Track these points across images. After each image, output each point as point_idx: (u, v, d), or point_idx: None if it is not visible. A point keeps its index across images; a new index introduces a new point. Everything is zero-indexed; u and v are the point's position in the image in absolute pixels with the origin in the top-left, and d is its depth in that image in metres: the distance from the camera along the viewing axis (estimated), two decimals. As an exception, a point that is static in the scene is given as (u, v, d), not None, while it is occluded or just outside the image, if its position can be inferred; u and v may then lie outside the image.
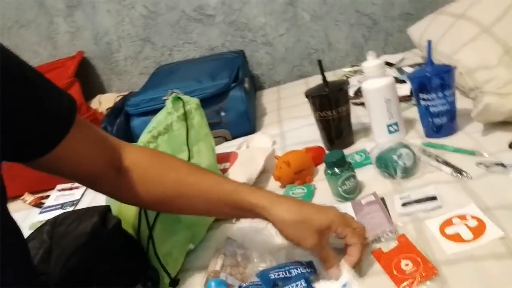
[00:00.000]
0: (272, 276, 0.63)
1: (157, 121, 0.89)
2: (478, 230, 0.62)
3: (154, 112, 1.22)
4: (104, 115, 1.34)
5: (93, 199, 1.14)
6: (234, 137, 1.22)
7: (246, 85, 1.27)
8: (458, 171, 0.76)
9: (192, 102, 0.91)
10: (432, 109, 0.87)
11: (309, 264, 0.63)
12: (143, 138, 0.84)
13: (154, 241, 0.73)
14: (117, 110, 1.34)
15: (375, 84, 0.91)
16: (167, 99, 1.19)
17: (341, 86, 0.96)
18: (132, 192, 0.65)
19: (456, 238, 0.62)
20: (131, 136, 1.25)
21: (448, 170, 0.78)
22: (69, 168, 0.60)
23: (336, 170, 0.79)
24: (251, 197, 0.61)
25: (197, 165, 0.69)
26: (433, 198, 0.72)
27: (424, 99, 0.88)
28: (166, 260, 0.72)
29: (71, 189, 1.21)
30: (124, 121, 1.27)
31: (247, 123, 1.23)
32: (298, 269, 0.62)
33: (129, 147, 0.68)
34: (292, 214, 0.60)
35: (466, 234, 0.62)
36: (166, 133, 0.84)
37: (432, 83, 0.86)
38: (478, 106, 0.83)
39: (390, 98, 0.91)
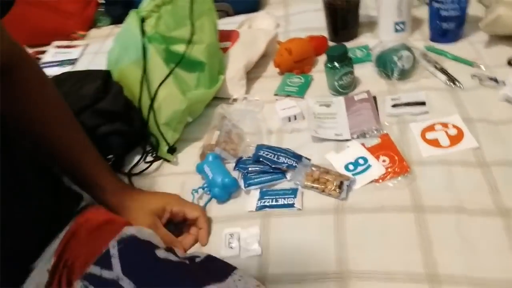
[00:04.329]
0: (261, 152, 0.70)
1: (161, -11, 0.85)
2: (456, 139, 0.67)
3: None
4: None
5: (91, 61, 1.15)
6: (236, 13, 1.18)
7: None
8: (452, 80, 0.79)
9: (198, -27, 0.86)
10: (442, 13, 0.86)
11: (300, 158, 0.69)
12: (146, 5, 0.82)
13: (154, 110, 0.77)
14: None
15: (392, -23, 0.87)
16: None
17: (355, -26, 0.91)
18: (7, 101, 0.58)
19: (435, 143, 0.68)
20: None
21: (443, 77, 0.80)
22: None
23: (336, 64, 0.80)
24: (101, 180, 0.62)
25: (76, 122, 0.63)
26: (422, 103, 0.75)
27: (436, 1, 0.85)
28: (165, 130, 0.77)
29: (68, 47, 1.20)
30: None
31: (252, 0, 1.18)
32: (288, 158, 0.68)
33: (30, 61, 0.61)
34: (132, 201, 0.62)
35: (444, 141, 0.67)
36: (169, 3, 0.81)
37: (450, -16, 0.82)
38: (488, 16, 0.81)
39: (404, -5, 0.88)
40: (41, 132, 0.60)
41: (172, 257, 0.50)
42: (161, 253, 0.50)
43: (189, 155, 0.78)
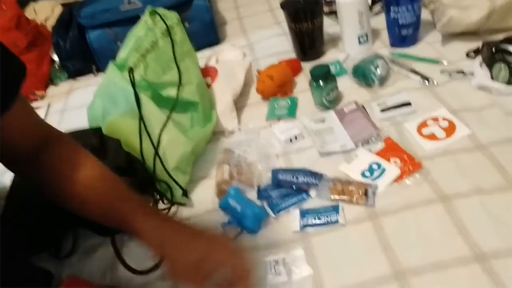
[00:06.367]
0: (280, 176, 0.72)
1: (137, 37, 0.86)
2: (450, 130, 0.74)
3: (112, 24, 1.16)
4: (52, 29, 1.22)
5: (60, 120, 1.10)
6: (198, 49, 1.20)
7: (208, -7, 1.22)
8: (426, 78, 0.87)
9: (173, 17, 0.87)
10: (400, 21, 0.95)
11: (317, 175, 0.71)
12: (129, 57, 0.81)
13: (160, 157, 0.76)
14: (65, 22, 1.23)
15: (350, -4, 0.94)
16: (127, 9, 1.13)
17: (317, -1, 0.98)
18: (44, 180, 0.60)
19: (432, 137, 0.74)
20: (88, 50, 1.18)
21: (417, 78, 0.88)
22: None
23: (321, 82, 0.85)
24: (141, 224, 0.58)
25: (110, 172, 0.63)
26: (408, 103, 0.82)
27: (394, 11, 0.94)
28: (176, 174, 0.76)
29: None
30: (78, 34, 1.17)
31: (212, 34, 1.21)
32: (306, 177, 0.71)
33: (61, 140, 0.62)
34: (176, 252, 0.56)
35: (440, 133, 0.74)
36: (153, 50, 0.82)
37: (403, -5, 0.92)
38: (442, 19, 0.91)
39: (363, 11, 0.96)
40: (80, 203, 0.60)
41: None
42: None
43: (202, 194, 0.78)
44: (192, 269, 0.56)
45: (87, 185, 0.60)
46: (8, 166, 0.61)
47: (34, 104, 1.16)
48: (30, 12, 1.40)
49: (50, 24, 1.36)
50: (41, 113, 1.13)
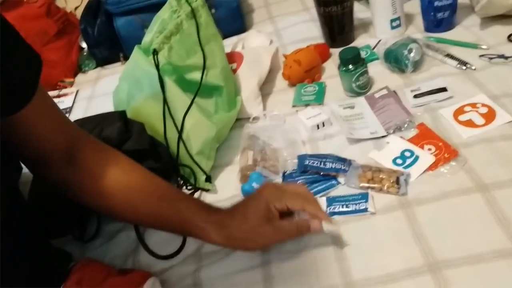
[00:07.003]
0: (307, 162, 0.69)
1: (162, 20, 0.84)
2: (489, 116, 0.69)
3: (139, 10, 1.16)
4: (80, 16, 1.23)
5: (87, 107, 1.10)
6: (225, 36, 1.18)
7: (235, -22, 1.20)
8: (463, 63, 0.82)
9: (198, -1, 0.86)
10: (436, 3, 0.90)
11: (346, 161, 0.68)
12: (154, 39, 0.80)
13: (184, 141, 0.75)
14: (93, 9, 1.23)
15: (383, -23, 0.90)
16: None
17: (347, -20, 0.94)
18: (82, 189, 0.59)
19: (470, 123, 0.69)
20: (115, 37, 1.18)
21: (453, 62, 0.83)
22: (17, 142, 0.53)
23: (351, 66, 0.82)
24: (202, 224, 0.57)
25: (152, 174, 0.61)
26: (444, 89, 0.78)
27: (429, -7, 0.89)
28: (199, 159, 0.75)
29: (59, 96, 1.15)
30: (106, 21, 1.18)
31: (239, 21, 1.18)
32: (335, 163, 0.68)
33: (89, 140, 0.61)
34: (237, 231, 0.56)
35: (478, 120, 0.69)
36: (177, 33, 0.80)
37: (440, -24, 0.87)
38: (481, 1, 0.86)
39: (396, -8, 0.91)
40: (119, 207, 0.59)
41: None
42: None
43: (226, 181, 0.76)
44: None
45: (128, 186, 0.58)
46: (39, 171, 0.60)
47: (63, 91, 1.17)
48: (60, 1, 1.41)
49: (79, 13, 1.38)
50: (69, 100, 1.14)
